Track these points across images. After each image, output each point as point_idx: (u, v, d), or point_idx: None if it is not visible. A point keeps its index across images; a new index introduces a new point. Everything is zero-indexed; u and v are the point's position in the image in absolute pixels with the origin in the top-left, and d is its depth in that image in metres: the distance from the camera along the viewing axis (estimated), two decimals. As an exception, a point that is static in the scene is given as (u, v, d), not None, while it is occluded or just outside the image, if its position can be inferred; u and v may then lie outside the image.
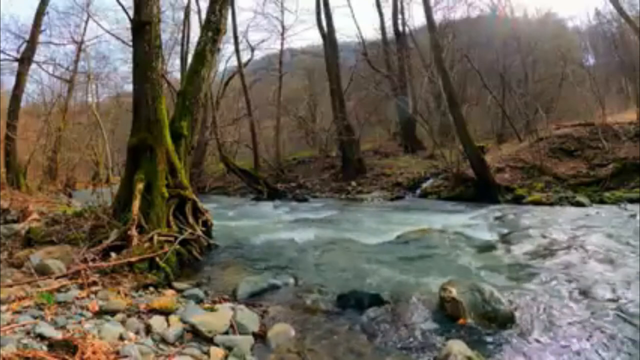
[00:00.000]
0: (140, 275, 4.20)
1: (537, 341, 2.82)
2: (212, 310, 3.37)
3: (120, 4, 12.40)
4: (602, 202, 10.44)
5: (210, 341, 2.84)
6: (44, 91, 21.99)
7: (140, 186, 5.45)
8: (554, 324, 3.03)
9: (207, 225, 6.17)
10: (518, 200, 11.37)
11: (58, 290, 3.53)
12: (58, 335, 2.58)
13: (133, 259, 4.36)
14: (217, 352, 2.68)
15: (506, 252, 5.38)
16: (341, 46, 22.30)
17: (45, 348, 2.36)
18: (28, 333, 2.57)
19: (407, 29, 22.90)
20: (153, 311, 3.24)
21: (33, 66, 16.96)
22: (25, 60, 15.44)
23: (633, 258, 4.66)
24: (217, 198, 17.24)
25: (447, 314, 3.22)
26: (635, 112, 16.01)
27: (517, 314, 3.16)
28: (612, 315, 3.11)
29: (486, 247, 5.75)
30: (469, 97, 21.80)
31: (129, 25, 6.59)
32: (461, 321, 3.10)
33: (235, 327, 3.06)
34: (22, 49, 16.09)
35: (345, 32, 35.23)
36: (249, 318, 3.26)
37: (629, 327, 2.91)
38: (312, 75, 27.30)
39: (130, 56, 13.85)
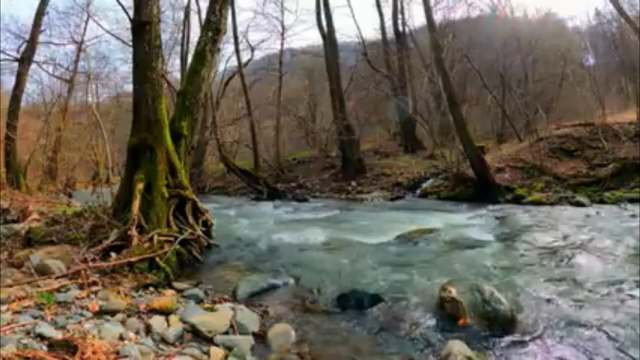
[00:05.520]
0: (140, 275, 4.20)
1: (537, 341, 2.82)
2: (212, 310, 3.37)
3: (120, 4, 12.37)
4: (602, 202, 10.43)
5: (210, 341, 2.84)
6: (44, 91, 22.02)
7: (140, 186, 5.45)
8: (554, 324, 3.03)
9: (207, 225, 6.17)
10: (518, 200, 11.36)
11: (58, 290, 3.53)
12: (58, 335, 2.58)
13: (133, 259, 4.36)
14: (217, 352, 2.68)
15: (506, 252, 5.38)
16: (341, 46, 22.30)
17: (45, 348, 2.36)
18: (28, 333, 2.57)
19: (407, 29, 22.93)
20: (153, 311, 3.23)
21: (33, 66, 16.98)
22: (25, 60, 15.43)
23: (633, 258, 4.66)
24: (217, 198, 17.24)
25: (447, 314, 3.22)
26: (635, 112, 16.00)
27: (517, 314, 3.16)
28: (613, 316, 3.11)
29: (486, 247, 5.74)
30: (469, 97, 21.79)
31: (129, 25, 6.58)
32: (461, 321, 3.10)
33: (235, 327, 3.06)
34: (22, 49, 16.09)
35: (345, 32, 35.16)
36: (249, 318, 3.26)
37: (629, 327, 2.90)
38: (312, 75, 27.27)
39: (130, 56, 13.84)
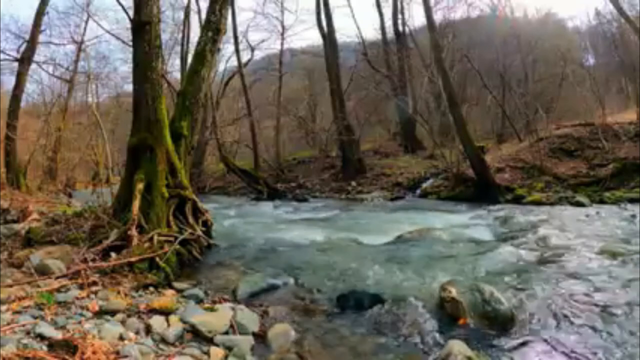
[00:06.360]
0: (140, 275, 4.20)
1: (537, 341, 2.82)
2: (212, 310, 3.37)
3: (120, 4, 12.37)
4: (602, 202, 10.43)
5: (210, 341, 2.84)
6: (44, 91, 22.03)
7: (140, 186, 5.45)
8: (554, 324, 3.03)
9: (207, 225, 6.17)
10: (518, 200, 11.36)
11: (58, 290, 3.53)
12: (58, 335, 2.57)
13: (133, 259, 4.36)
14: (217, 352, 2.68)
15: (506, 252, 5.37)
16: (341, 46, 22.30)
17: (45, 348, 2.36)
18: (28, 333, 2.57)
19: (407, 29, 22.94)
20: (153, 311, 3.23)
21: (33, 66, 16.99)
22: (25, 60, 15.44)
23: (633, 258, 4.65)
24: (217, 198, 17.23)
25: (447, 314, 3.22)
26: (635, 112, 16.00)
27: (517, 314, 3.16)
28: (612, 315, 3.11)
29: (486, 247, 5.74)
30: (469, 97, 21.79)
31: (129, 25, 6.58)
32: (461, 321, 3.10)
33: (235, 327, 3.06)
34: (22, 49, 16.11)
35: (345, 32, 35.11)
36: (249, 318, 3.26)
37: (629, 327, 2.90)
38: (312, 75, 27.27)
39: (130, 56, 13.83)
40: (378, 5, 23.93)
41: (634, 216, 7.83)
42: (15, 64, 15.78)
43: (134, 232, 4.90)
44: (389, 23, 23.79)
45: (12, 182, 13.32)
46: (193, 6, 20.38)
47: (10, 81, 17.28)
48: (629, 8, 17.18)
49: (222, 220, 8.46)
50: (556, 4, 47.01)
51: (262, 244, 6.35)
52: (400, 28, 23.16)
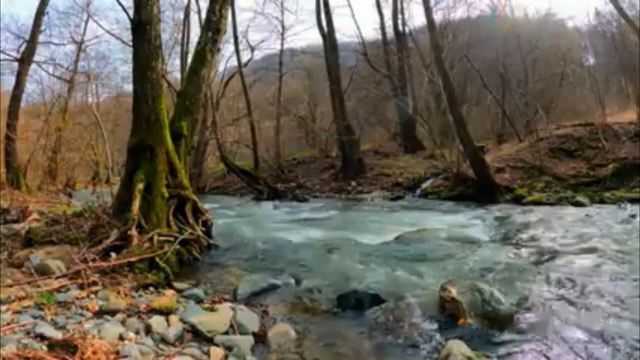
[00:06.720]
0: (140, 275, 4.20)
1: (537, 341, 2.82)
2: (212, 310, 3.36)
3: (120, 4, 12.30)
4: (602, 202, 10.43)
5: (210, 341, 2.84)
6: (44, 91, 22.03)
7: (140, 186, 5.45)
8: (554, 324, 3.03)
9: (207, 225, 6.17)
10: (518, 200, 11.37)
11: (58, 290, 3.52)
12: (58, 335, 2.57)
13: (133, 259, 4.36)
14: (217, 352, 2.67)
15: (506, 252, 5.38)
16: (341, 46, 22.28)
17: (45, 348, 2.36)
18: (28, 333, 2.56)
19: (407, 29, 22.92)
20: (153, 311, 3.23)
21: (33, 66, 17.05)
22: (25, 60, 15.48)
23: (633, 258, 4.65)
24: (217, 198, 17.25)
25: (447, 314, 3.22)
26: (635, 112, 16.01)
27: (517, 314, 3.16)
28: (612, 315, 3.11)
29: (486, 247, 5.75)
30: (469, 97, 21.79)
31: (129, 25, 6.56)
32: (461, 321, 3.10)
33: (235, 327, 3.06)
34: (22, 49, 16.14)
35: (345, 32, 35.17)
36: (249, 318, 3.25)
37: (629, 327, 2.90)
38: (312, 75, 27.27)
39: (130, 56, 13.80)
40: (378, 5, 23.98)
41: (633, 216, 7.84)
42: (15, 64, 15.83)
43: (134, 232, 4.90)
44: (389, 23, 23.83)
45: (12, 182, 13.34)
46: (193, 6, 20.41)
47: (10, 81, 17.33)
48: (629, 8, 17.22)
49: (222, 220, 8.46)
50: (556, 4, 47.00)
51: (262, 244, 6.35)
52: (400, 28, 23.15)
